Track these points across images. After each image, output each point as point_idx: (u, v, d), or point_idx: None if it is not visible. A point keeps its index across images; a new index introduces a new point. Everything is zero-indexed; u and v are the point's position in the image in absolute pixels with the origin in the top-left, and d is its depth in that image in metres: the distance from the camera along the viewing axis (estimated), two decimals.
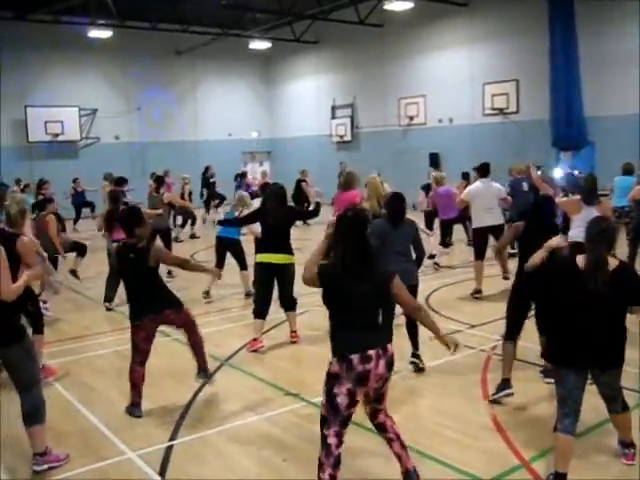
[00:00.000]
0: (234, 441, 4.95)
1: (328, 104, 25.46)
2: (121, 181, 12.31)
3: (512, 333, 5.50)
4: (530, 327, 5.58)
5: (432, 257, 11.04)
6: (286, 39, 24.42)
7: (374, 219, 6.26)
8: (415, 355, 6.29)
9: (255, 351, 7.01)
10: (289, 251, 7.11)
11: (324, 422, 3.67)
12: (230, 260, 9.55)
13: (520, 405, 5.36)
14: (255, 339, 7.07)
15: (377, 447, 4.31)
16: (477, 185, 9.47)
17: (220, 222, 9.04)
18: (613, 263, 3.95)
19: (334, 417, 3.63)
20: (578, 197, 7.47)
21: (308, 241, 11.79)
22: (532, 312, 5.57)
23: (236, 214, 9.10)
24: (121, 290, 7.68)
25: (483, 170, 9.53)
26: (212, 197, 18.86)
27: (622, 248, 8.18)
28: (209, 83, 26.31)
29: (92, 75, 23.43)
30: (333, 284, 3.73)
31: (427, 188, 13.02)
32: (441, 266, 11.31)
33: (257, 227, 7.47)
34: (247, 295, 9.45)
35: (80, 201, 19.05)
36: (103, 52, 22.65)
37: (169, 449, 4.77)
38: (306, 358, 6.87)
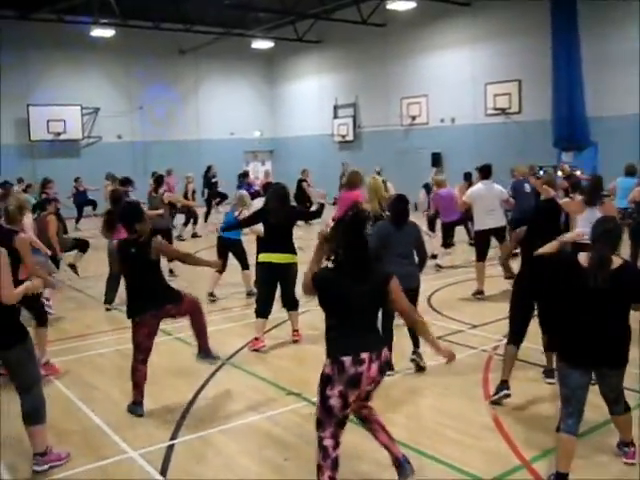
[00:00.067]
0: (235, 440, 4.96)
1: (330, 104, 25.45)
2: (126, 181, 12.23)
3: (515, 338, 5.49)
4: (532, 328, 5.56)
5: (434, 257, 11.03)
6: (289, 38, 24.40)
7: (376, 221, 6.26)
8: (416, 353, 6.26)
9: (257, 350, 7.02)
10: (292, 251, 7.12)
11: (319, 424, 3.66)
12: (232, 260, 9.55)
13: (521, 405, 5.35)
14: (257, 338, 7.07)
15: (377, 447, 4.30)
16: (479, 187, 9.41)
17: (224, 230, 9.06)
18: (617, 262, 3.95)
19: (328, 419, 3.61)
20: (580, 198, 7.45)
21: (311, 241, 11.74)
22: (534, 313, 5.56)
23: (236, 214, 9.10)
24: (121, 290, 7.68)
25: (485, 172, 9.46)
26: (213, 197, 18.84)
27: (624, 249, 8.15)
28: (212, 82, 26.29)
29: (94, 74, 23.41)
30: (329, 285, 3.71)
31: (428, 187, 12.98)
32: (443, 267, 11.30)
33: (260, 226, 7.46)
34: (249, 294, 9.45)
35: (82, 200, 19.05)
36: (106, 51, 22.63)
37: (170, 448, 4.77)
38: (308, 357, 6.85)
